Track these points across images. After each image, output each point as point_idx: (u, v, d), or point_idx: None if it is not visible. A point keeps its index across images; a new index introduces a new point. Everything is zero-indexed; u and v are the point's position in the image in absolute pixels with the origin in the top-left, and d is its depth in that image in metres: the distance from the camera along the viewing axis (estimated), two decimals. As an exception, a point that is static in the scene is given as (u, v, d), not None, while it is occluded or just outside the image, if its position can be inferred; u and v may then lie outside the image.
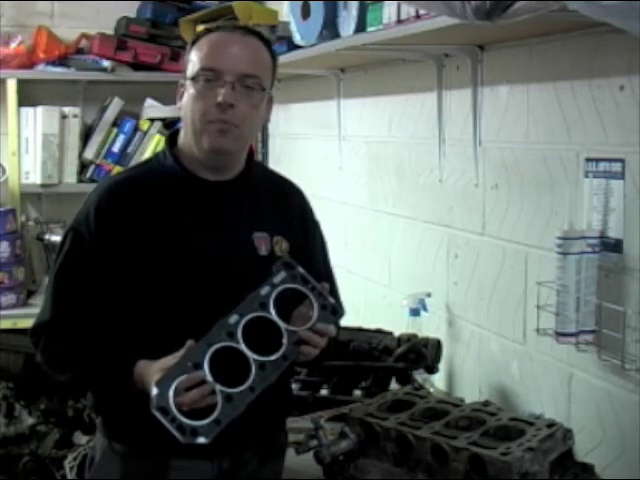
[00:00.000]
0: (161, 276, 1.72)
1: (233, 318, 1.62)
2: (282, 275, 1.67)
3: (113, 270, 1.72)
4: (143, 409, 1.62)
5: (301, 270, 1.68)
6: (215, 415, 1.54)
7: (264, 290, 1.65)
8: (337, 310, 1.69)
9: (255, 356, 1.60)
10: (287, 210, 1.89)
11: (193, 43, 1.78)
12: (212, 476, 1.76)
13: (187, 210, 1.77)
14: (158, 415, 1.53)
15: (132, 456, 1.76)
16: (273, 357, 1.61)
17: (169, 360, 1.59)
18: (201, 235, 1.76)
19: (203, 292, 1.74)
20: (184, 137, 1.79)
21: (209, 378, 1.56)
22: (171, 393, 1.53)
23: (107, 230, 1.72)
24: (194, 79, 1.73)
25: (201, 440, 1.52)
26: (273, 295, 1.65)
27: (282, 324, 1.64)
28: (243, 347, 1.60)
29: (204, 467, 1.75)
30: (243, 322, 1.62)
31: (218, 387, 1.55)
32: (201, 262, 1.74)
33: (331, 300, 1.68)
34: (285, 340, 1.63)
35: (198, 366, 1.57)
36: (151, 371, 1.61)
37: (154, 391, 1.53)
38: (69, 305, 1.75)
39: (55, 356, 1.76)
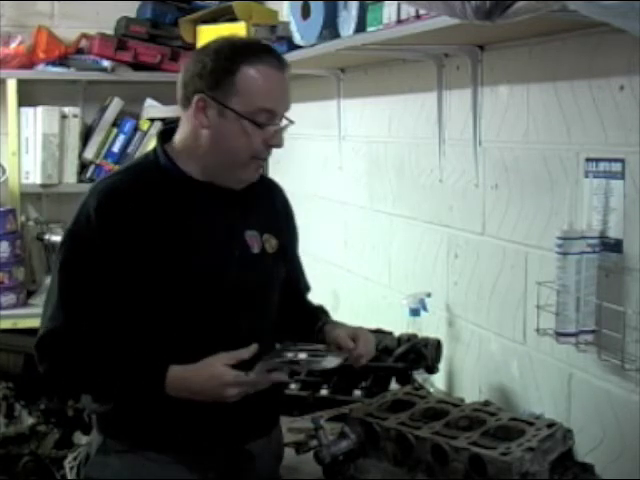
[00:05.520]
0: (162, 278, 1.73)
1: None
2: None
3: (117, 274, 1.71)
4: (140, 406, 1.67)
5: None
6: None
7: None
8: None
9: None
10: (272, 207, 1.92)
11: (233, 61, 1.70)
12: (208, 471, 1.77)
13: (184, 211, 1.77)
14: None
15: (127, 452, 1.77)
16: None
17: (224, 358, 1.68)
18: (199, 236, 1.77)
19: (204, 293, 1.75)
20: (195, 149, 1.76)
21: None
22: None
23: (109, 234, 1.71)
24: (249, 116, 1.70)
25: None
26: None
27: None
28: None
29: (200, 462, 1.76)
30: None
31: None
32: (201, 263, 1.75)
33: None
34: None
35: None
36: (200, 373, 1.67)
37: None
38: (80, 312, 1.72)
39: (70, 365, 1.74)
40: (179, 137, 1.80)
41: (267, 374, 1.70)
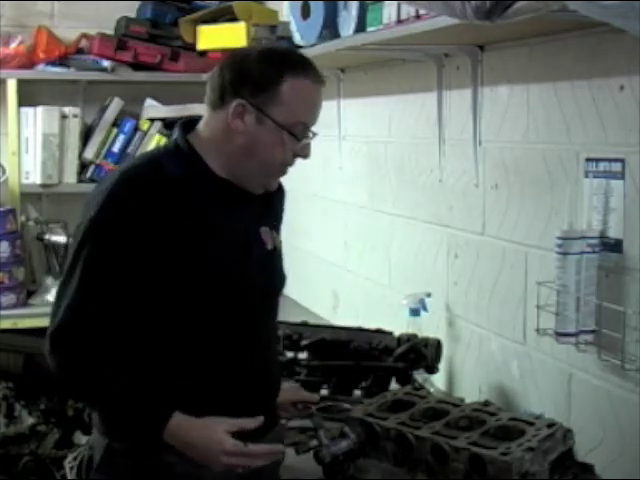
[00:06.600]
0: (183, 277, 1.69)
1: None
2: None
3: (143, 268, 1.66)
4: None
5: None
6: None
7: None
8: None
9: None
10: (274, 203, 1.91)
11: (279, 71, 1.69)
12: (214, 470, 1.77)
13: (206, 207, 1.74)
14: None
15: (133, 454, 1.76)
16: None
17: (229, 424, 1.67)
18: (221, 234, 1.74)
19: (223, 293, 1.73)
20: (223, 149, 1.74)
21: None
22: None
23: (140, 225, 1.66)
24: (288, 127, 1.72)
25: None
26: None
27: None
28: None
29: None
30: None
31: None
32: (227, 262, 1.73)
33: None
34: None
35: None
36: (201, 432, 1.66)
37: None
38: (103, 306, 1.67)
39: (80, 366, 1.70)
40: (207, 134, 1.76)
41: (266, 447, 1.69)
